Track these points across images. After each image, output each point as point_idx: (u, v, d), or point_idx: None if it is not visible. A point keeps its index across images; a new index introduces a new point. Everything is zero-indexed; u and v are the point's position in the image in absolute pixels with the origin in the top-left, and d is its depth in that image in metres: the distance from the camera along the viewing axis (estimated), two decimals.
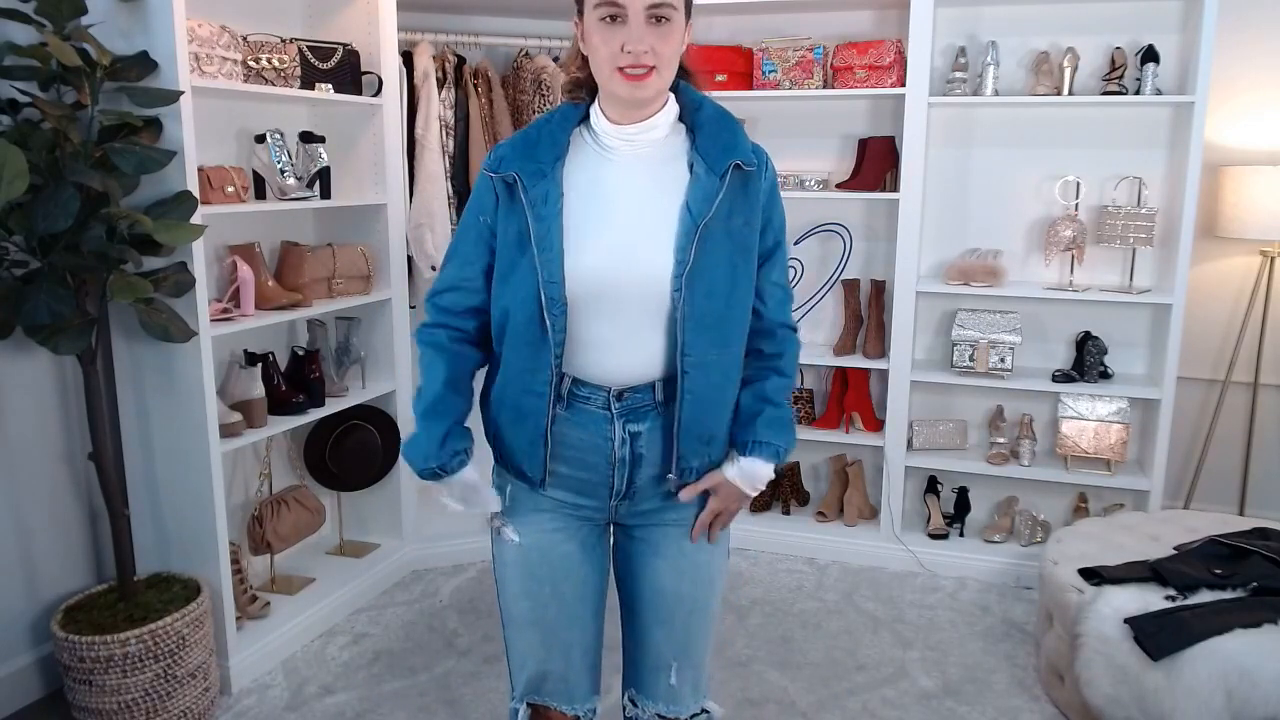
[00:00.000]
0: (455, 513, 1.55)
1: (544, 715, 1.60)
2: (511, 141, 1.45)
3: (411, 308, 3.33)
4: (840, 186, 3.49)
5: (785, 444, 1.50)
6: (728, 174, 1.39)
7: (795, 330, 1.58)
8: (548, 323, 1.38)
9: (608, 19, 1.32)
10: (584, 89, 1.47)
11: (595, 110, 1.44)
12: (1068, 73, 3.20)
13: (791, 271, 3.69)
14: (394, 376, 3.28)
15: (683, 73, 1.46)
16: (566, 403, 1.45)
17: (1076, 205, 3.34)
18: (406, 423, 3.32)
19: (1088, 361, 3.32)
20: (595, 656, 1.60)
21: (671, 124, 1.44)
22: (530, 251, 1.37)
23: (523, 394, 1.45)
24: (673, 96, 1.45)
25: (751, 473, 1.50)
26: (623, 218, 1.40)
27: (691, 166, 1.41)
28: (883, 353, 3.49)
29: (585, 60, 1.41)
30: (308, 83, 2.89)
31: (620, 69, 1.33)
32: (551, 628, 1.53)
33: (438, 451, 1.46)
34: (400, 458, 3.29)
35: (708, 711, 1.64)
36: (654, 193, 1.41)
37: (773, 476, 1.52)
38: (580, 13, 1.38)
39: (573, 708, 1.58)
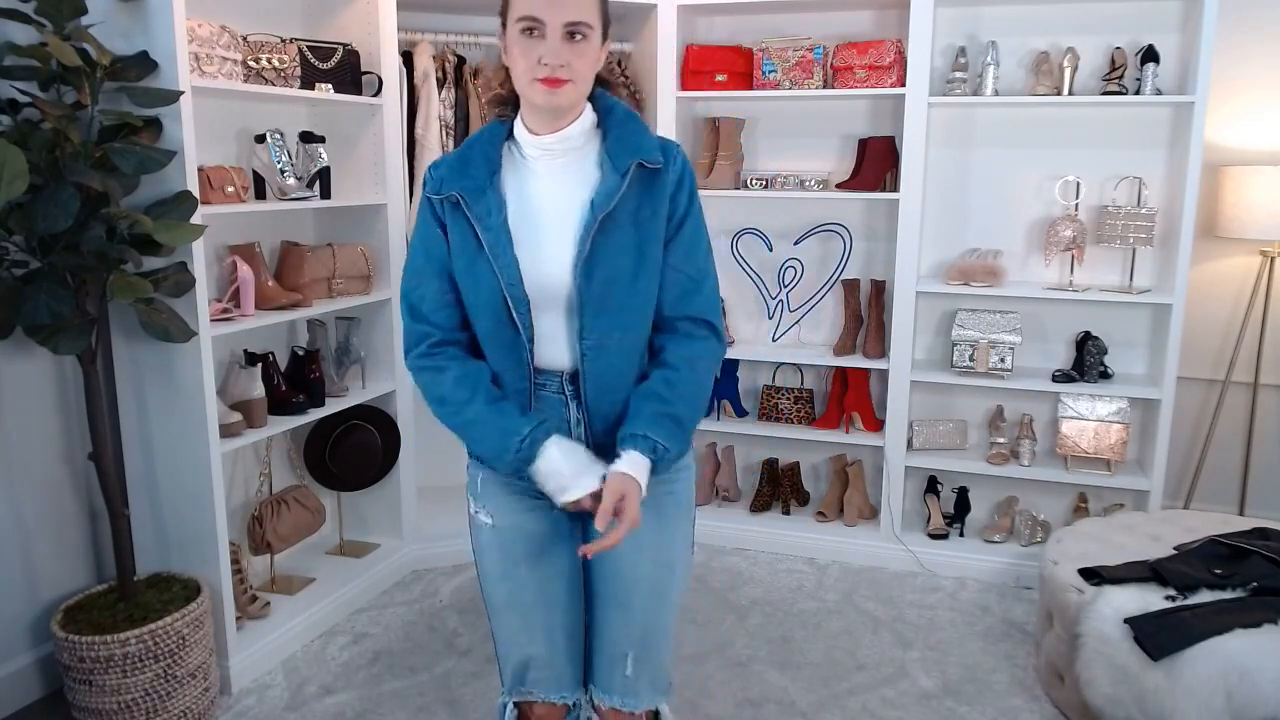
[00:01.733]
0: (566, 490, 1.46)
1: (530, 712, 1.62)
2: (447, 163, 1.52)
3: None
4: (840, 186, 3.49)
5: (664, 439, 1.46)
6: (629, 171, 1.46)
7: (709, 324, 1.54)
8: (518, 321, 1.48)
9: (527, 32, 1.38)
10: (509, 104, 1.54)
11: (518, 124, 1.51)
12: (1068, 73, 3.20)
13: (791, 271, 3.69)
14: (394, 376, 3.28)
15: (601, 82, 1.53)
16: (534, 390, 1.53)
17: (1076, 205, 3.34)
18: (406, 423, 3.32)
19: (1088, 361, 3.32)
20: (579, 642, 1.62)
21: (587, 131, 1.51)
22: (486, 261, 1.46)
23: (507, 389, 1.54)
24: (589, 106, 1.51)
25: (632, 465, 1.45)
26: (546, 220, 1.48)
27: (600, 167, 1.49)
28: (883, 353, 3.49)
29: (508, 74, 1.47)
30: (308, 83, 2.89)
31: (538, 79, 1.40)
32: (530, 610, 1.57)
33: (517, 426, 1.47)
34: (399, 461, 3.29)
35: (660, 714, 1.64)
36: (570, 195, 1.49)
37: (649, 473, 1.46)
38: (504, 25, 1.44)
39: (560, 695, 1.61)
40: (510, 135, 1.53)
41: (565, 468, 1.47)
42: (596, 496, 1.44)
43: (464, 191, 1.47)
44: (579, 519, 1.59)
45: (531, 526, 1.58)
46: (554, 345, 1.51)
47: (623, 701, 1.60)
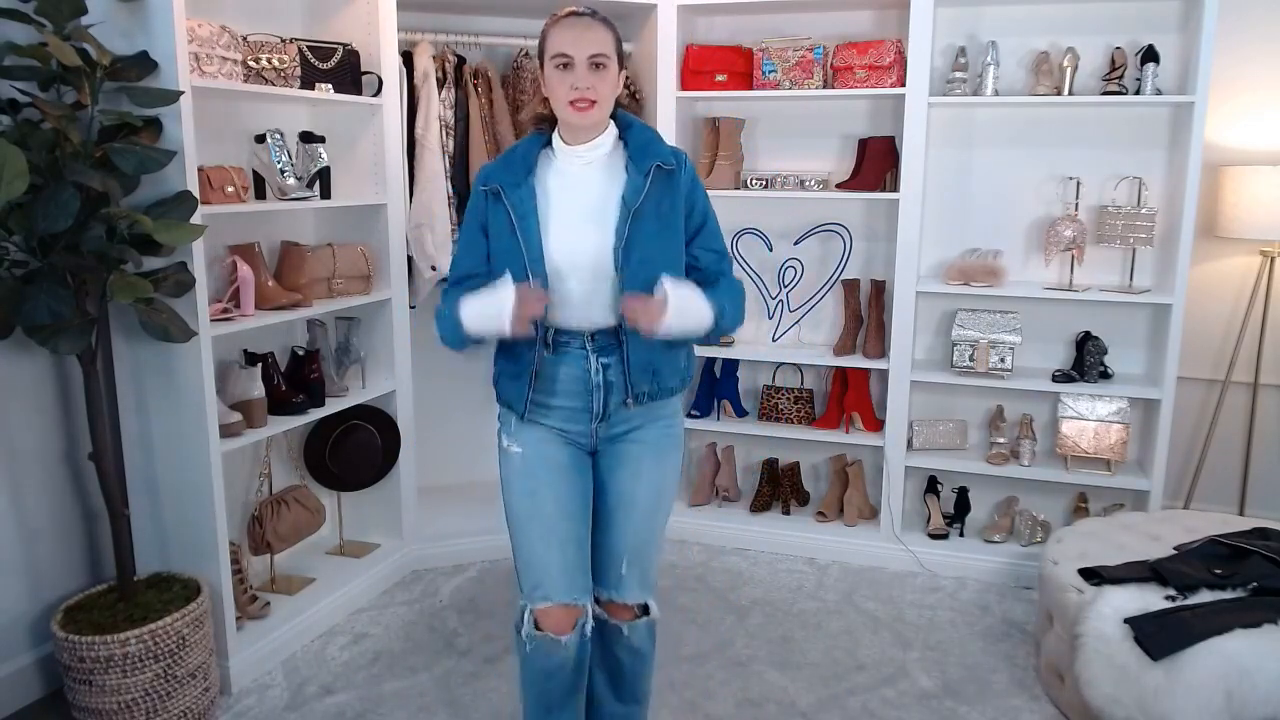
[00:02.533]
0: (508, 319, 1.78)
1: (545, 618, 1.91)
2: (495, 163, 1.95)
3: (412, 307, 3.33)
4: (840, 186, 3.49)
5: (710, 300, 1.81)
6: (651, 172, 1.85)
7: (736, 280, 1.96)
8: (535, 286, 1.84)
9: (561, 66, 1.79)
10: (546, 122, 1.94)
11: (556, 136, 1.91)
12: (1068, 73, 3.20)
13: (791, 271, 3.70)
14: (394, 376, 3.28)
15: (622, 105, 1.93)
16: (554, 348, 1.89)
17: (1076, 205, 3.34)
18: (406, 423, 3.32)
19: (1088, 361, 3.32)
20: (587, 554, 1.95)
21: (613, 143, 1.91)
22: (516, 239, 1.84)
23: (517, 344, 1.90)
24: (612, 123, 1.91)
25: (676, 289, 1.77)
26: (579, 210, 1.87)
27: (627, 169, 1.88)
28: (883, 353, 3.49)
29: (546, 100, 1.88)
30: (308, 83, 2.89)
31: (571, 102, 1.80)
32: (548, 520, 1.91)
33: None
34: (390, 460, 3.30)
35: (649, 611, 2.03)
36: (601, 191, 1.88)
37: (696, 319, 1.80)
38: (542, 65, 1.85)
39: (572, 598, 1.91)
40: (548, 144, 1.93)
41: (487, 297, 1.80)
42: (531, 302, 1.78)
43: (503, 184, 1.87)
44: (588, 463, 1.97)
45: (553, 454, 1.93)
46: (581, 310, 1.87)
47: (617, 594, 1.98)
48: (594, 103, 1.79)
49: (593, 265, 1.85)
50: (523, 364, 1.91)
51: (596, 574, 1.99)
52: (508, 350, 1.95)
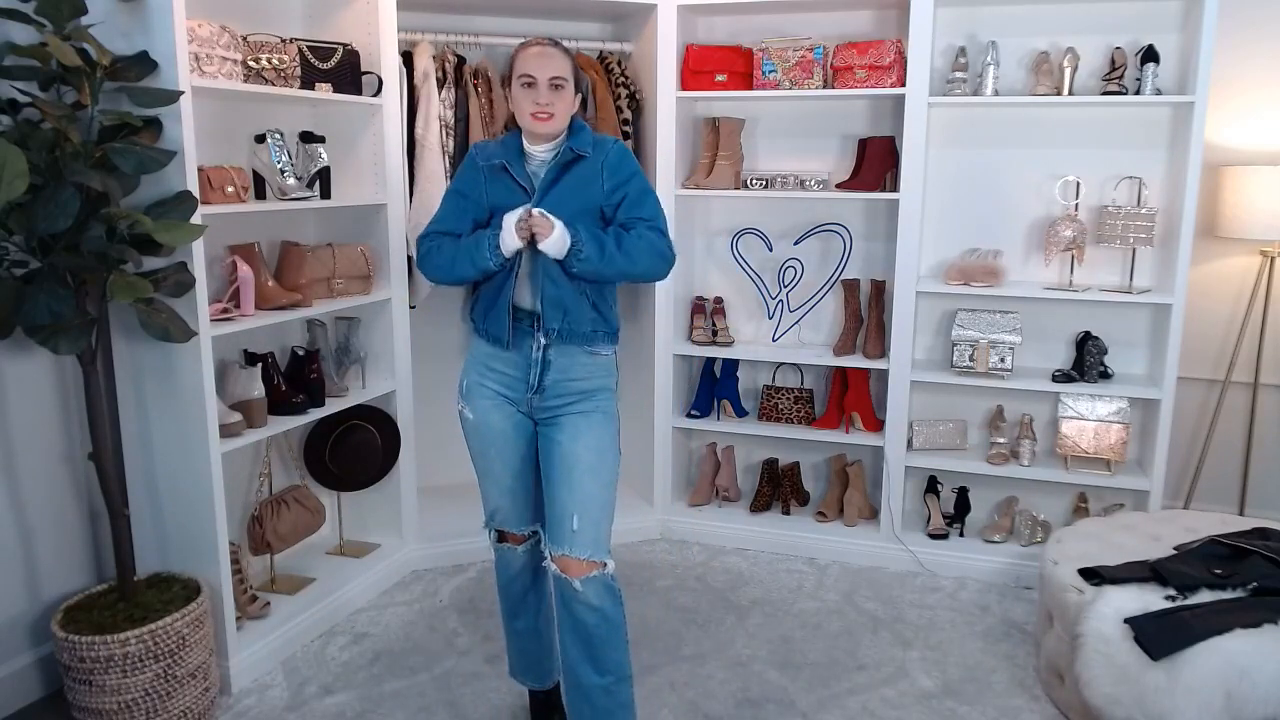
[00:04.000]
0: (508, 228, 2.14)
1: (504, 537, 2.38)
2: (496, 145, 2.27)
3: (412, 308, 3.33)
4: (840, 186, 3.49)
5: (584, 234, 2.12)
6: (560, 154, 2.19)
7: (659, 230, 2.24)
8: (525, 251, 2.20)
9: (525, 85, 2.14)
10: (515, 125, 2.29)
11: (523, 139, 2.24)
12: (1068, 73, 3.20)
13: (791, 271, 3.70)
14: (394, 376, 3.28)
15: (583, 119, 2.28)
16: (513, 318, 2.23)
17: (1076, 205, 3.34)
18: (406, 423, 3.32)
19: (1088, 361, 3.32)
20: (532, 497, 2.32)
21: (563, 146, 2.22)
22: (526, 200, 2.18)
23: (498, 289, 2.22)
24: (565, 134, 2.23)
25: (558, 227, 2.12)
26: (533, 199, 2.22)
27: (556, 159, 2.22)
28: (883, 353, 3.49)
29: (512, 115, 2.25)
30: (308, 83, 2.89)
31: (533, 114, 2.14)
32: (497, 477, 2.31)
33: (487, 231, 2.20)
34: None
35: (604, 564, 2.16)
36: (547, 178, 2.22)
37: (561, 242, 2.10)
38: (510, 85, 2.20)
39: (520, 529, 2.35)
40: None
41: (505, 221, 2.14)
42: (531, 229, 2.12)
43: (508, 160, 2.21)
44: (532, 421, 2.27)
45: (498, 422, 2.27)
46: (530, 286, 2.20)
47: (569, 550, 2.14)
48: (551, 115, 2.14)
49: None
50: (501, 295, 2.20)
51: (550, 533, 2.19)
52: (488, 284, 2.24)
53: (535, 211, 2.12)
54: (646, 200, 2.24)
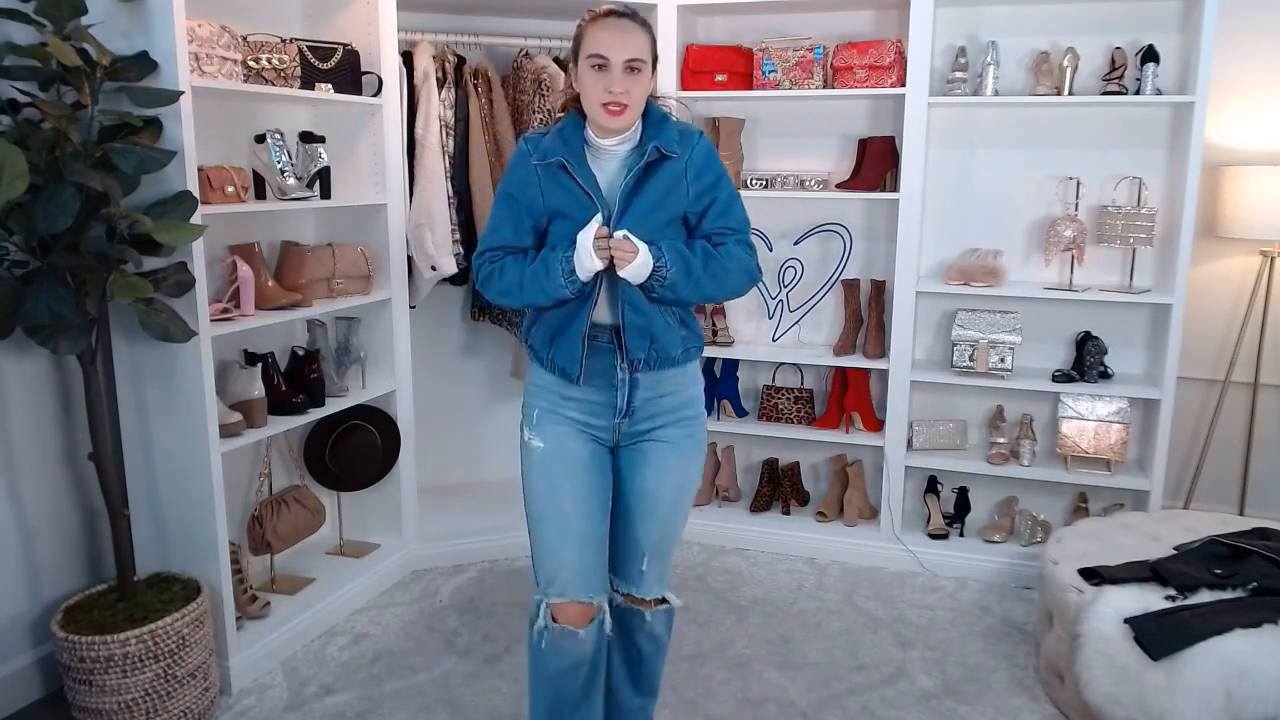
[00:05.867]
0: (586, 244, 1.84)
1: (560, 611, 1.92)
2: (550, 137, 1.91)
3: (412, 307, 3.33)
4: (840, 186, 3.49)
5: (670, 257, 1.85)
6: (647, 155, 1.86)
7: (751, 249, 1.99)
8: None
9: (596, 67, 1.81)
10: (577, 104, 1.94)
11: (587, 127, 1.92)
12: (1068, 73, 3.20)
13: (791, 271, 3.69)
14: (394, 376, 3.28)
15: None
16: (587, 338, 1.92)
17: (1076, 205, 3.34)
18: (406, 423, 3.32)
19: (1088, 361, 3.32)
20: (604, 553, 1.96)
21: (637, 136, 1.91)
22: (593, 210, 1.86)
23: (569, 317, 1.92)
24: (640, 121, 1.91)
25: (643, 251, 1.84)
26: (603, 202, 1.90)
27: (632, 155, 1.90)
28: (883, 353, 3.49)
29: (578, 97, 1.90)
30: (308, 83, 2.89)
31: (604, 105, 1.81)
32: (567, 518, 1.91)
33: (559, 254, 1.88)
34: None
35: (668, 600, 2.07)
36: (616, 181, 1.90)
37: (644, 269, 1.84)
38: (576, 61, 1.88)
39: (588, 596, 1.92)
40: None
41: (579, 242, 1.84)
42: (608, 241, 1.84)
43: (568, 158, 1.87)
44: (609, 459, 1.99)
45: (574, 450, 1.94)
46: (608, 301, 1.92)
47: (637, 590, 2.03)
48: (626, 107, 1.81)
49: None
50: (575, 321, 1.90)
51: (616, 567, 2.03)
52: (558, 308, 1.93)
53: (620, 234, 1.82)
54: (734, 207, 1.96)
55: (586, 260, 1.82)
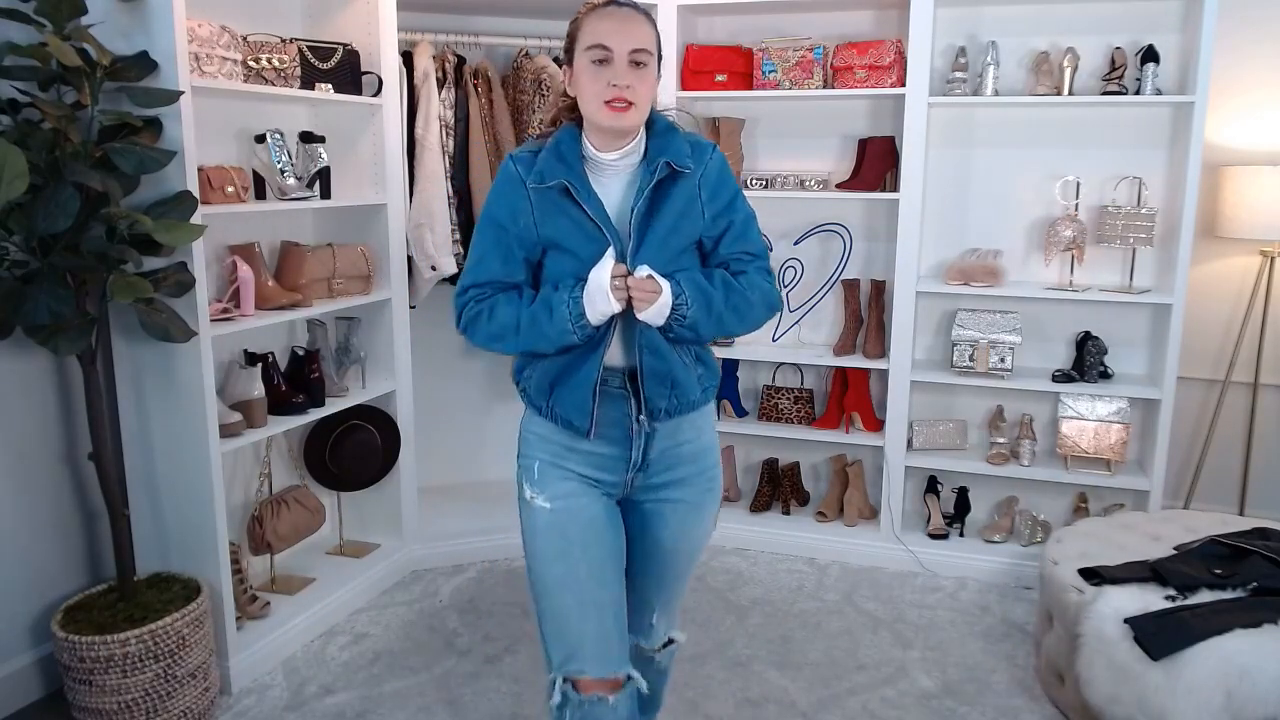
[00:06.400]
0: (602, 285, 1.62)
1: (584, 685, 1.68)
2: (545, 156, 1.68)
3: (412, 308, 3.33)
4: (840, 186, 3.49)
5: (690, 292, 1.65)
6: (657, 172, 1.64)
7: (770, 274, 1.80)
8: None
9: (597, 61, 1.60)
10: (573, 114, 1.72)
11: (584, 139, 1.70)
12: (1068, 73, 3.20)
13: (791, 271, 3.69)
14: (394, 376, 3.28)
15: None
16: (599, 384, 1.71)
17: (1076, 205, 3.34)
18: (406, 423, 3.32)
19: (1088, 361, 3.32)
20: (624, 622, 1.74)
21: (643, 150, 1.70)
22: (600, 239, 1.64)
23: (575, 364, 1.70)
24: (643, 129, 1.70)
25: (666, 290, 1.64)
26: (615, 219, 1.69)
27: (640, 172, 1.69)
28: (883, 353, 3.49)
29: (573, 105, 1.69)
30: (308, 83, 2.89)
31: (607, 102, 1.59)
32: (584, 586, 1.69)
33: (565, 294, 1.66)
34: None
35: (674, 640, 2.02)
36: (624, 203, 1.69)
37: (666, 309, 1.63)
38: (570, 60, 1.66)
39: (610, 671, 1.68)
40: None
41: (592, 282, 1.62)
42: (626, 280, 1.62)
43: (572, 180, 1.64)
44: (618, 512, 1.80)
45: (588, 510, 1.72)
46: (620, 341, 1.71)
47: (646, 641, 1.95)
48: (631, 104, 1.60)
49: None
50: (584, 368, 1.67)
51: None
52: (567, 363, 1.71)
53: (642, 272, 1.61)
54: (752, 230, 1.77)
55: (601, 303, 1.60)
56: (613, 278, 1.60)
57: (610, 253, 1.62)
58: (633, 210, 1.64)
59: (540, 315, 1.65)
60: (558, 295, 1.64)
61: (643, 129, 1.69)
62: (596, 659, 1.67)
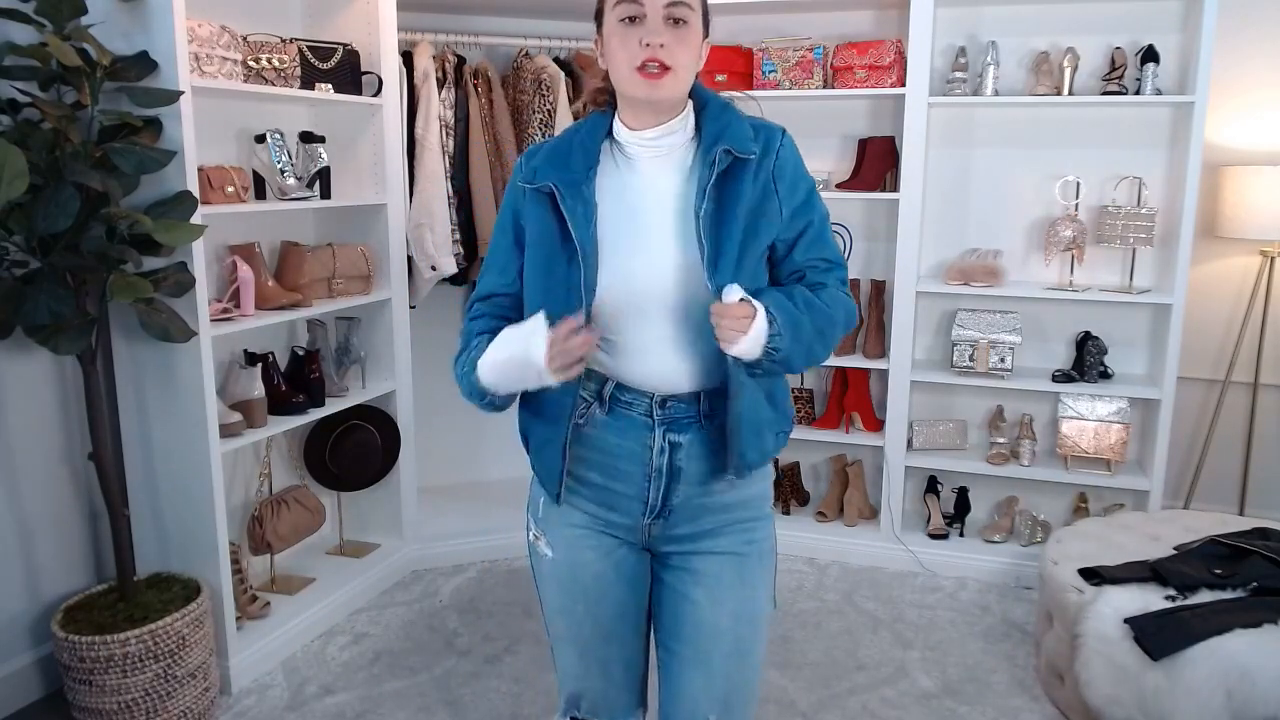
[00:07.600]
0: (534, 357, 1.32)
1: None
2: (545, 152, 1.45)
3: (412, 307, 3.33)
4: (840, 186, 3.49)
5: (781, 319, 1.33)
6: (717, 161, 1.36)
7: (845, 284, 1.51)
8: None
9: (627, 20, 1.33)
10: (606, 95, 1.47)
11: (617, 122, 1.44)
12: (1068, 73, 3.20)
13: None
14: (394, 376, 3.28)
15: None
16: (608, 407, 1.43)
17: (1076, 205, 3.34)
18: (406, 423, 3.32)
19: (1088, 361, 3.32)
20: (638, 671, 1.57)
21: (691, 130, 1.43)
22: (574, 260, 1.36)
23: (553, 398, 1.42)
24: (690, 104, 1.43)
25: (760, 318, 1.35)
26: (653, 223, 1.39)
27: (697, 162, 1.41)
28: (883, 353, 3.49)
29: (606, 75, 1.42)
30: (308, 83, 2.89)
31: (638, 68, 1.33)
32: (588, 645, 1.52)
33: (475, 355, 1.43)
34: (398, 457, 3.30)
35: None
36: (677, 195, 1.40)
37: (758, 344, 1.32)
38: (600, 26, 1.40)
39: (621, 719, 1.58)
40: (610, 134, 1.45)
41: (512, 345, 1.35)
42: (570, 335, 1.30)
43: (560, 184, 1.38)
44: (643, 564, 1.53)
45: (592, 565, 1.49)
46: (654, 361, 1.40)
47: None
48: (669, 69, 1.32)
49: (660, 299, 1.38)
50: (557, 421, 1.43)
51: None
52: (536, 398, 1.47)
53: (733, 295, 1.30)
54: (828, 232, 1.47)
55: (529, 377, 1.33)
56: (554, 341, 1.29)
57: (540, 317, 1.32)
58: (699, 213, 1.34)
59: (466, 372, 1.44)
60: (466, 356, 1.44)
61: (690, 105, 1.42)
62: (601, 711, 1.57)
